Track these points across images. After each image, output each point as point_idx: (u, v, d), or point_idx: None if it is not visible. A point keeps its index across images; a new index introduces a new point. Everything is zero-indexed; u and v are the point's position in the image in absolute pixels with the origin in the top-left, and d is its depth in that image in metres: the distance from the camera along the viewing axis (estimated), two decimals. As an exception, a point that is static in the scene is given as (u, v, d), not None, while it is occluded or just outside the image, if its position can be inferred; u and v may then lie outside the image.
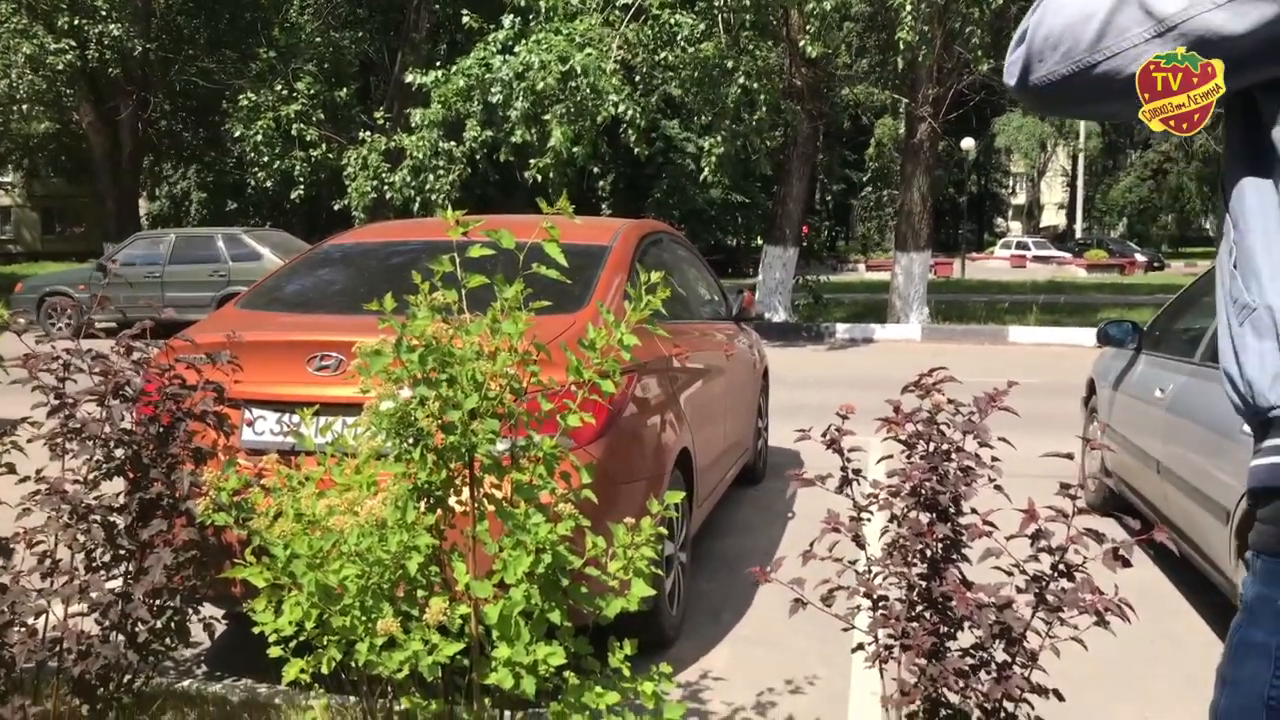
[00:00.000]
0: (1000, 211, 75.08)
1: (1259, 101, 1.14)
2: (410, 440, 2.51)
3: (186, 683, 3.54)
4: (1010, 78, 1.26)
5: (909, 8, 13.57)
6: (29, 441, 3.01)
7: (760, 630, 4.37)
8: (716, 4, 14.54)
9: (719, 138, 14.96)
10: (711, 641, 4.25)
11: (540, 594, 2.39)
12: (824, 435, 2.56)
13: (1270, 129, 1.13)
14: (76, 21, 18.29)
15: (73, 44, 18.26)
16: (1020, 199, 75.85)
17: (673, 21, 14.54)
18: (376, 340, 2.50)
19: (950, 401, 2.49)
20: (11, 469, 3.03)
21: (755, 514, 6.04)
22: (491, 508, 2.58)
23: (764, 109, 15.10)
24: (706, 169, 15.20)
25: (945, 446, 2.41)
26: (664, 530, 2.62)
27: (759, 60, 15.40)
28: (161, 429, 2.95)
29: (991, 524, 2.40)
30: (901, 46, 14.08)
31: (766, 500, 6.31)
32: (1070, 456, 2.33)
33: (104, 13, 18.68)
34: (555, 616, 2.41)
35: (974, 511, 2.48)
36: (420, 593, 2.58)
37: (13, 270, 35.23)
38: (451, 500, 2.66)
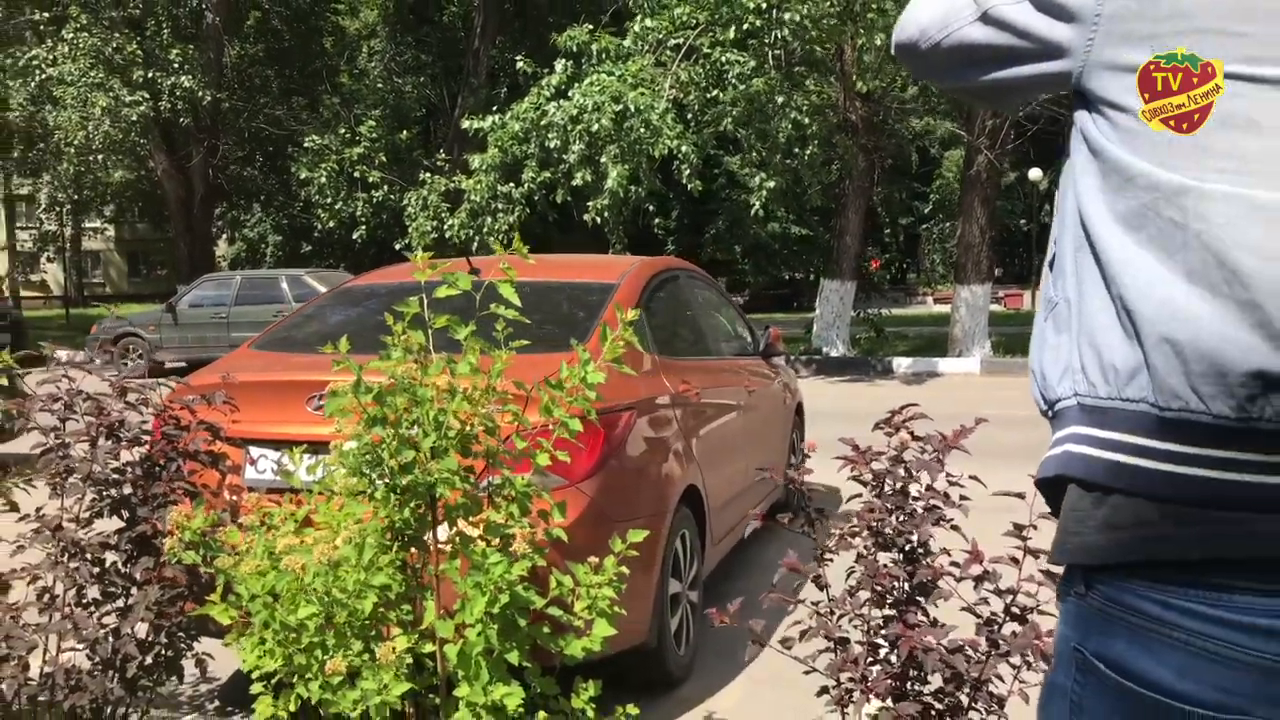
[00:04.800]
0: (1075, 242, 73.58)
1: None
2: (376, 478, 2.55)
3: (191, 717, 3.60)
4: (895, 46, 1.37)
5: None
6: (29, 481, 3.11)
7: (775, 671, 4.29)
8: (767, 41, 14.59)
9: (769, 172, 14.97)
10: (723, 681, 4.20)
11: (499, 634, 2.40)
12: (784, 474, 2.53)
13: (1071, 135, 1.18)
14: (150, 74, 19.02)
15: (146, 96, 18.97)
16: (1095, 229, 74.28)
17: (724, 60, 14.64)
18: (339, 382, 2.55)
19: (916, 439, 2.45)
20: (15, 507, 3.13)
21: (782, 553, 5.96)
22: (460, 547, 2.60)
23: (815, 144, 15.07)
24: (757, 203, 15.21)
25: (907, 486, 2.37)
26: (625, 570, 2.61)
27: (811, 96, 15.41)
28: (152, 467, 3.03)
29: (958, 564, 2.35)
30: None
31: (796, 539, 6.22)
32: (1022, 496, 2.28)
33: (177, 65, 19.40)
34: (513, 656, 2.41)
35: (945, 552, 2.43)
36: (396, 630, 2.61)
37: (98, 311, 36.51)
38: (426, 538, 2.68)
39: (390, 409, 2.51)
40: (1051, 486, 1.14)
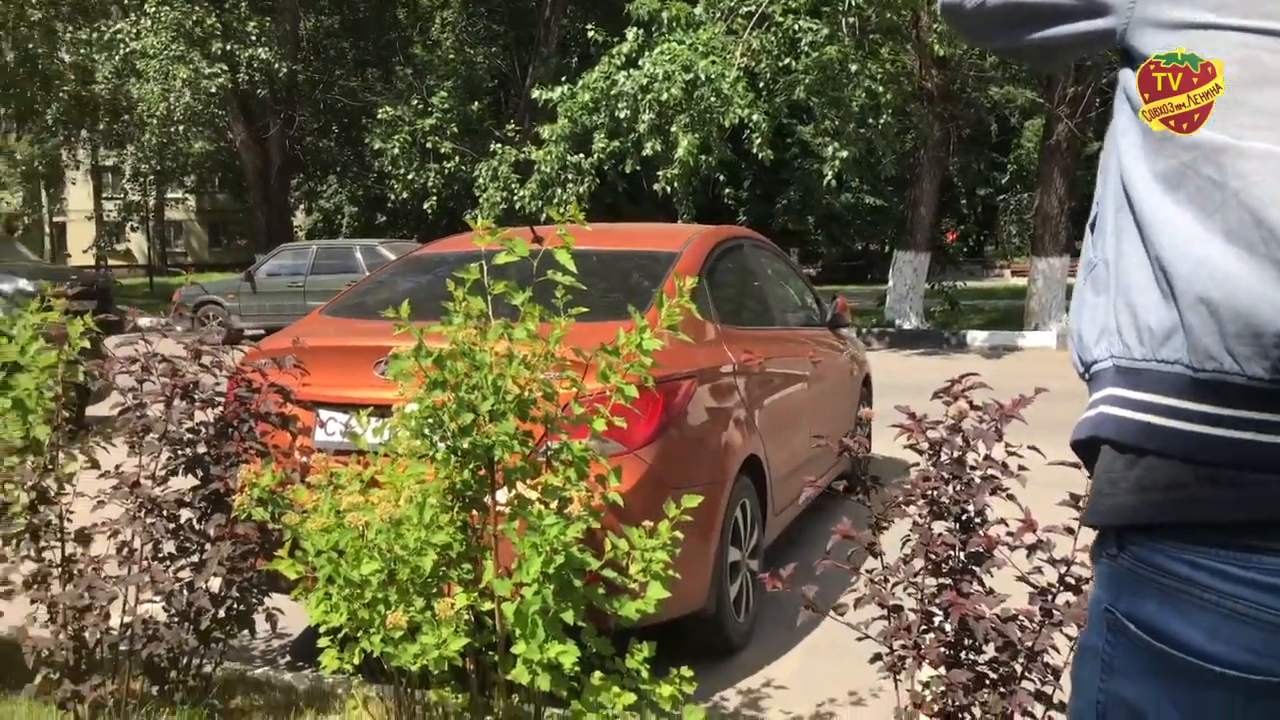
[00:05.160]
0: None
1: None
2: (437, 440, 2.60)
3: (261, 669, 3.72)
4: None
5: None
6: (109, 439, 3.24)
7: (833, 640, 4.29)
8: (840, 8, 14.37)
9: (843, 142, 14.78)
10: (781, 650, 4.22)
11: (554, 594, 2.44)
12: (840, 443, 2.53)
13: (1116, 95, 1.16)
14: (229, 47, 19.40)
15: (225, 68, 19.36)
16: (1181, 200, 72.23)
17: (796, 27, 14.46)
18: (403, 346, 2.60)
19: (975, 408, 2.43)
20: (96, 464, 3.26)
21: (848, 524, 5.94)
22: (519, 509, 2.65)
23: (889, 113, 14.84)
24: (830, 173, 15.04)
25: (963, 455, 2.36)
26: (679, 534, 2.63)
27: (886, 63, 15.16)
28: (224, 428, 3.13)
29: (1013, 534, 2.33)
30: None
31: (861, 510, 6.21)
32: (1079, 465, 2.24)
33: (254, 37, 19.75)
34: (568, 616, 2.45)
35: (1002, 522, 2.42)
36: (456, 588, 2.67)
37: (180, 280, 37.53)
38: (486, 499, 2.74)
39: (450, 373, 2.56)
40: (1086, 448, 1.14)
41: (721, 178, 16.52)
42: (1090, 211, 1.22)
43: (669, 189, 14.56)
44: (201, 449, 3.16)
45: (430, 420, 2.60)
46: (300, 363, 3.29)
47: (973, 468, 2.39)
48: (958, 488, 2.38)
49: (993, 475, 2.36)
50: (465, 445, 2.49)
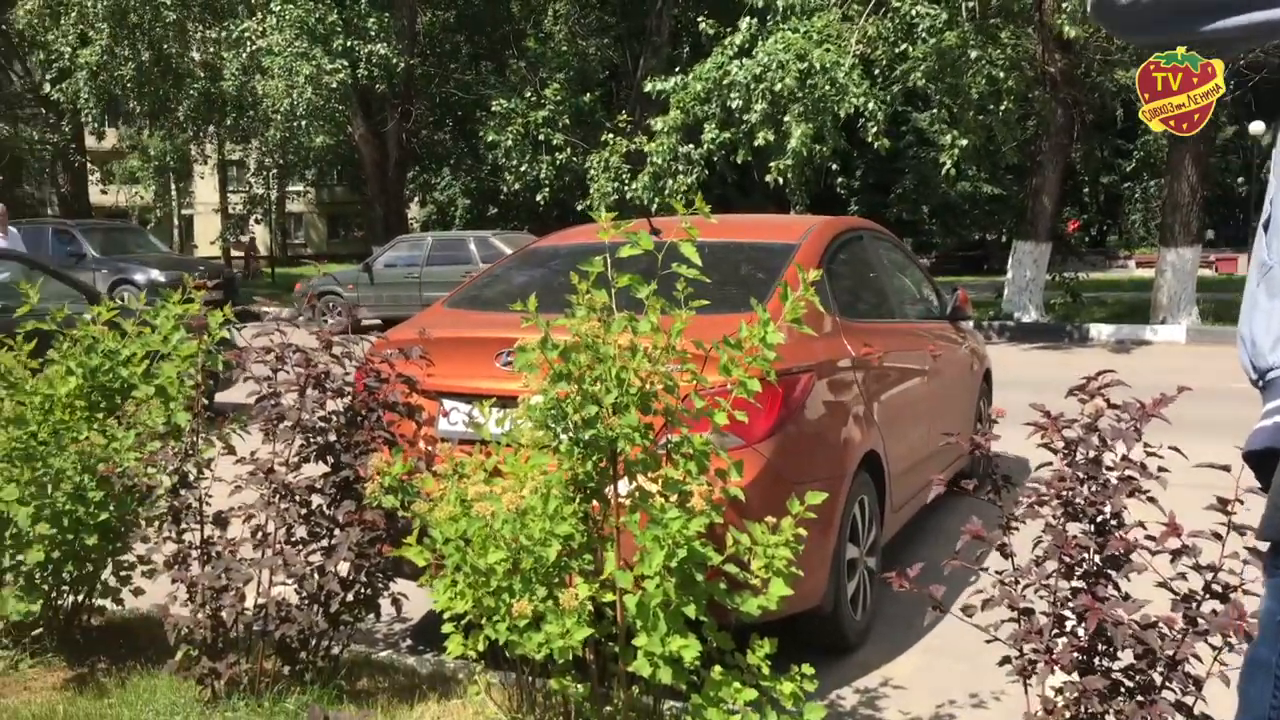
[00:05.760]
0: (1298, 201, 68.24)
1: None
2: (562, 432, 2.63)
3: (385, 652, 3.82)
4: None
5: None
6: (244, 426, 3.36)
7: (953, 641, 4.21)
8: (960, -8, 14.03)
9: (962, 129, 14.42)
10: (900, 649, 4.16)
11: (676, 588, 2.44)
12: (971, 439, 2.47)
13: None
14: (350, 43, 19.91)
15: (345, 64, 19.88)
16: (1322, 187, 68.63)
17: (914, 12, 14.16)
18: (529, 338, 2.63)
19: (1113, 407, 2.34)
20: (232, 450, 3.39)
21: (965, 521, 5.81)
22: (640, 502, 2.66)
23: (1011, 99, 14.43)
24: (949, 162, 14.70)
25: (1100, 455, 2.27)
26: (803, 531, 2.60)
27: (1007, 49, 14.74)
28: (355, 417, 3.21)
29: (1154, 538, 2.24)
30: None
31: (983, 508, 6.04)
32: (1227, 468, 2.14)
33: (373, 33, 20.24)
34: (690, 610, 2.45)
35: (1140, 525, 2.33)
36: (577, 578, 2.69)
37: (300, 270, 38.80)
38: (607, 491, 2.75)
39: (574, 365, 2.58)
40: (1261, 460, 1.08)
41: (834, 167, 16.34)
42: (1263, 210, 1.16)
43: (781, 180, 14.41)
44: (332, 437, 3.25)
45: (554, 412, 2.62)
46: (426, 354, 3.36)
47: (1109, 468, 2.30)
48: (1093, 489, 2.29)
49: (1130, 476, 2.27)
50: (588, 437, 2.51)
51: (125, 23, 21.93)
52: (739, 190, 25.96)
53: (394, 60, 20.48)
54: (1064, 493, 2.25)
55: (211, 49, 23.90)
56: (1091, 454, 2.29)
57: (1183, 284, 15.70)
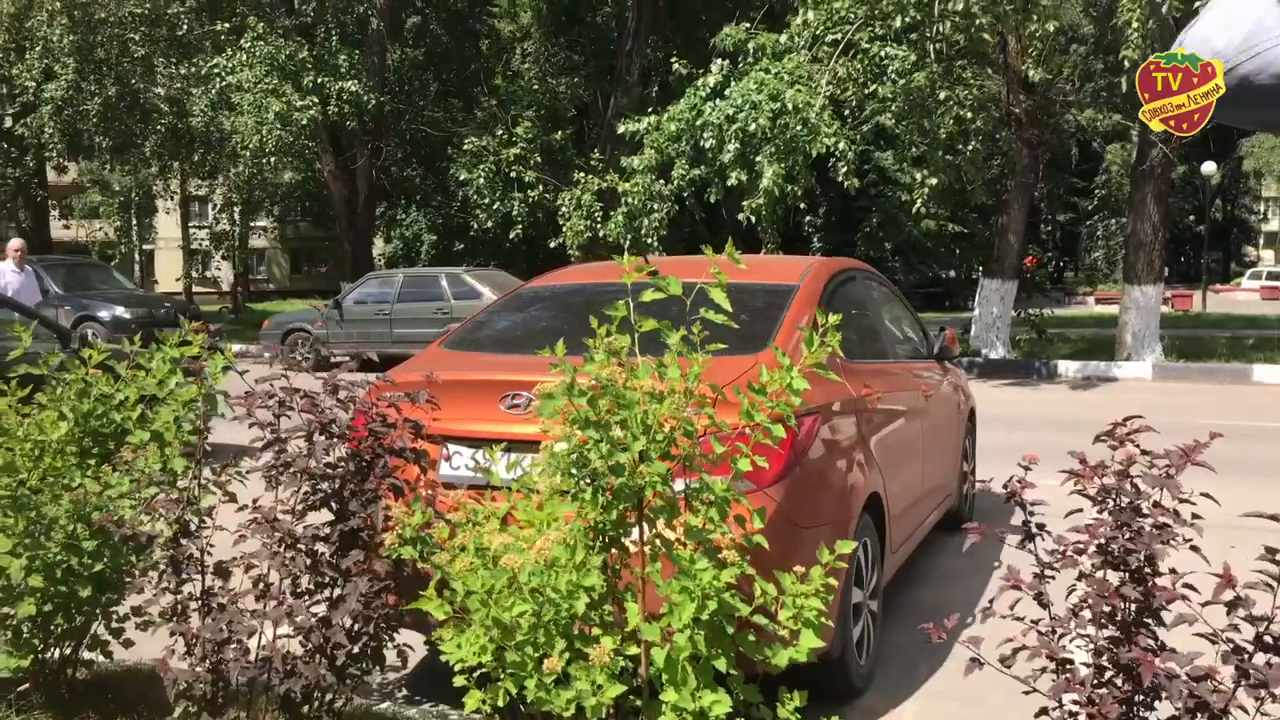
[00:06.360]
0: (1249, 239, 69.73)
1: None
2: (585, 480, 2.57)
3: (385, 705, 3.72)
4: None
5: (1135, 25, 12.88)
6: (248, 473, 3.27)
7: (955, 685, 4.18)
8: (929, 34, 14.24)
9: (931, 169, 14.61)
10: (903, 694, 4.11)
11: (706, 640, 2.39)
12: (1005, 485, 2.44)
13: None
14: (320, 80, 19.87)
15: (315, 100, 19.83)
16: (1273, 225, 70.21)
17: (883, 54, 14.37)
18: (553, 383, 2.58)
19: (1145, 453, 2.33)
20: (233, 497, 3.30)
21: (958, 562, 5.80)
22: (663, 549, 2.61)
23: (978, 139, 14.66)
24: (919, 201, 14.86)
25: (1138, 502, 2.25)
26: (834, 581, 2.57)
27: (974, 89, 14.98)
28: (363, 464, 3.14)
29: (1191, 586, 2.22)
30: (1127, 66, 13.36)
31: (972, 548, 6.04)
32: (1276, 518, 2.13)
33: (344, 70, 20.22)
34: (721, 664, 2.40)
35: (1172, 572, 2.31)
36: (596, 631, 2.63)
37: (264, 307, 38.43)
38: (626, 540, 2.70)
39: (597, 411, 2.53)
40: None
41: (802, 206, 16.45)
42: None
43: (754, 218, 14.50)
44: (337, 484, 3.17)
45: (574, 458, 2.57)
46: (433, 398, 3.30)
47: (1144, 515, 2.29)
48: (1127, 535, 2.28)
49: (1166, 524, 2.25)
50: (616, 485, 2.46)
51: (91, 58, 21.76)
52: (707, 227, 26.10)
53: (365, 97, 20.46)
54: (1103, 540, 2.23)
55: (179, 84, 23.75)
56: (1127, 501, 2.27)
57: (1147, 321, 15.93)
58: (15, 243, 12.63)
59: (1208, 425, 2.64)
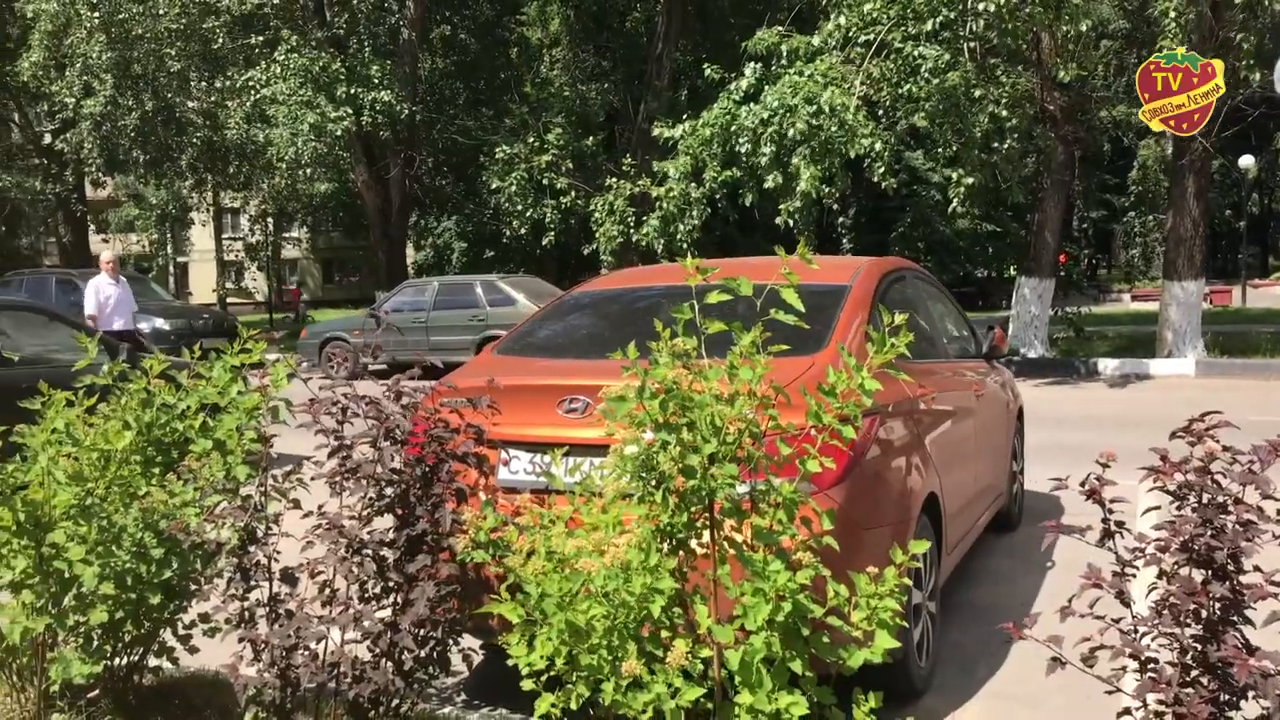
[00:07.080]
0: (1288, 233, 68.77)
1: None
2: (653, 483, 2.57)
3: (447, 710, 3.74)
4: None
5: (1172, 15, 12.71)
6: (312, 479, 3.30)
7: (1016, 686, 4.15)
8: (962, 34, 14.16)
9: (967, 168, 14.52)
10: (963, 696, 4.08)
11: (781, 642, 2.38)
12: (1083, 484, 2.42)
13: None
14: (353, 91, 20.02)
15: (349, 111, 19.97)
16: (1313, 218, 69.18)
17: (916, 54, 14.30)
18: (621, 386, 2.58)
19: (1226, 449, 2.30)
20: (297, 504, 3.32)
21: (1010, 562, 5.76)
22: (732, 551, 2.60)
23: (1014, 137, 14.55)
24: (955, 200, 14.76)
25: (1221, 499, 2.22)
26: (908, 580, 2.55)
27: (1008, 87, 14.88)
28: (427, 469, 3.15)
29: (1277, 583, 2.19)
30: (1166, 60, 13.23)
31: (1022, 548, 6.01)
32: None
33: (376, 81, 20.36)
34: (797, 665, 2.39)
35: (1257, 569, 2.27)
36: (665, 633, 2.63)
37: (302, 317, 38.73)
38: (693, 543, 2.69)
39: (665, 413, 2.53)
40: None
41: (836, 207, 16.45)
42: None
43: (791, 221, 14.46)
44: (403, 489, 3.18)
45: (643, 461, 2.57)
46: (494, 404, 3.31)
47: (1227, 511, 2.26)
48: (1210, 533, 2.24)
49: (1251, 521, 2.22)
50: (688, 487, 2.46)
51: (129, 73, 22.04)
52: (740, 230, 26.07)
53: (397, 107, 20.59)
54: (1187, 538, 2.20)
55: (214, 98, 24.01)
56: (1209, 498, 2.24)
57: (1188, 317, 15.73)
58: (107, 255, 12.71)
59: (1257, 421, 2.60)
